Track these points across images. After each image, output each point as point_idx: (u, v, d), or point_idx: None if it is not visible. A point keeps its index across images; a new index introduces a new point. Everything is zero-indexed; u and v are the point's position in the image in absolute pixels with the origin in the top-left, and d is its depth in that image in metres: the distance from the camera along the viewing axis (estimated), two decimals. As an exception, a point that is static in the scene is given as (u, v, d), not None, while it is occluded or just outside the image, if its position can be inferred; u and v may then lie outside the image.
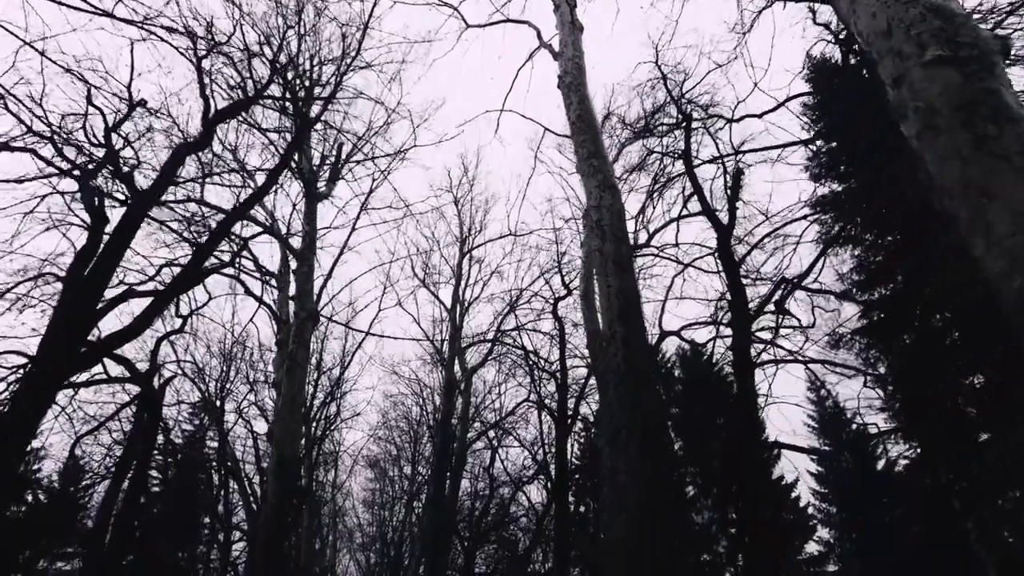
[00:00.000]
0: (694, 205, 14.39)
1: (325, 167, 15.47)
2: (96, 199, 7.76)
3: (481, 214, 30.06)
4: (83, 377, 9.74)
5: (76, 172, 8.36)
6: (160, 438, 19.40)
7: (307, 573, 23.19)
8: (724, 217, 10.96)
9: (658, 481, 5.17)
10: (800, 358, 12.21)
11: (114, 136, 9.38)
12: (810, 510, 21.90)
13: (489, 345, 22.02)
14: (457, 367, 21.65)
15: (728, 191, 11.25)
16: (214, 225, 14.03)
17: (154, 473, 20.90)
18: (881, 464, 20.13)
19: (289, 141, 8.69)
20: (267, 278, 16.13)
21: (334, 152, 15.31)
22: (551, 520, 19.27)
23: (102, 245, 6.96)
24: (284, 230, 14.44)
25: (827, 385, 12.69)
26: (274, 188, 8.72)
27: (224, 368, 21.07)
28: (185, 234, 12.81)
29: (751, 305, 10.78)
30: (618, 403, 5.16)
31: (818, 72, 14.83)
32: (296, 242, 14.51)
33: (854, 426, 21.76)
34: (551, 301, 18.61)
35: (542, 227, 29.76)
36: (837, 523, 21.25)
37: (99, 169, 8.99)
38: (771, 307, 11.31)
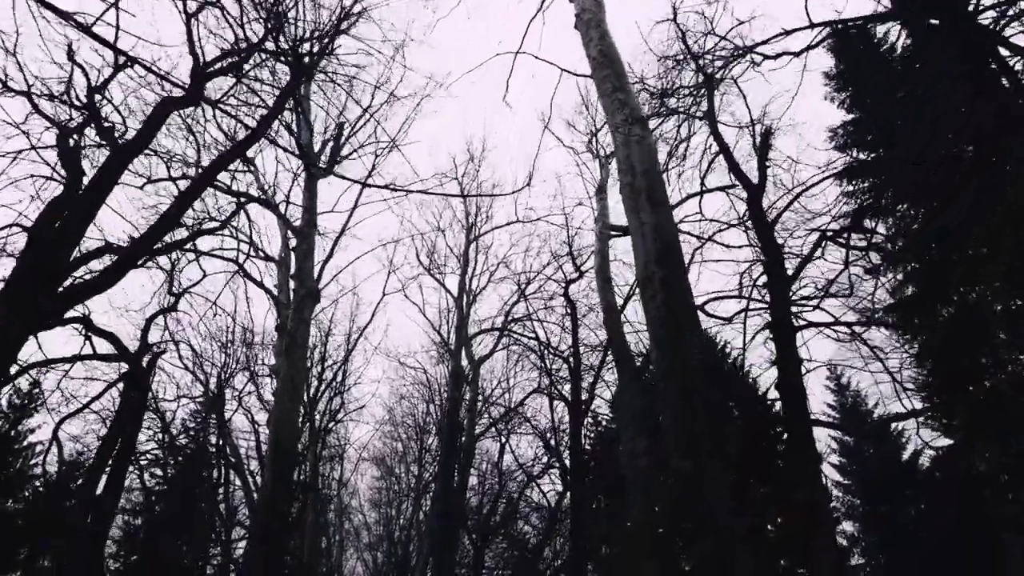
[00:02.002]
0: (711, 180, 13.67)
1: (326, 148, 14.91)
2: (73, 154, 7.15)
3: (488, 201, 29.38)
4: (68, 354, 9.14)
5: (55, 129, 7.76)
6: (158, 429, 18.87)
7: (312, 572, 22.51)
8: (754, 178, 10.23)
9: (696, 437, 4.48)
10: (841, 322, 11.41)
11: (97, 97, 8.82)
12: (831, 502, 21.11)
13: (497, 335, 21.35)
14: (464, 358, 20.96)
15: (757, 150, 10.55)
16: (211, 209, 13.49)
17: (157, 472, 20.32)
18: (907, 454, 19.35)
19: (283, 88, 8.05)
20: (268, 261, 15.56)
21: (334, 131, 14.76)
22: (565, 512, 18.56)
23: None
24: (283, 208, 13.84)
25: (869, 356, 11.86)
26: (265, 136, 8.07)
27: (224, 355, 20.49)
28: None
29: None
30: (657, 349, 4.50)
31: (840, 39, 14.14)
32: (296, 221, 13.93)
33: (876, 415, 21.06)
34: (563, 284, 17.96)
35: (551, 212, 29.04)
36: (860, 516, 20.44)
37: (81, 129, 8.39)
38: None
